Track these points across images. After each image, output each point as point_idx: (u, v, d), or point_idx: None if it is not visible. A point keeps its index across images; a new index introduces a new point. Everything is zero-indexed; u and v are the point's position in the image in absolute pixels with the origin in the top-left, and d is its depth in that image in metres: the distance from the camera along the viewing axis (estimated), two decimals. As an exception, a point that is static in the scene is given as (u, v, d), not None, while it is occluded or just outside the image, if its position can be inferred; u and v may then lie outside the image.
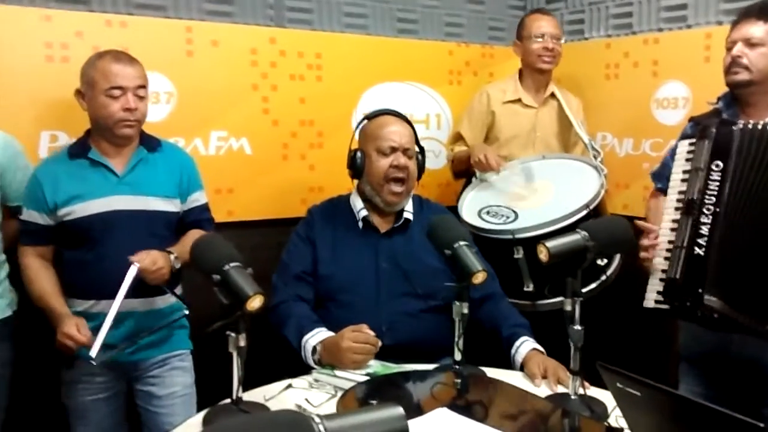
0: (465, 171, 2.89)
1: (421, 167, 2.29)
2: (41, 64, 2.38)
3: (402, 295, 2.13)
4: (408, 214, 2.24)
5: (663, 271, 1.96)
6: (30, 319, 2.15)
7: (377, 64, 3.07)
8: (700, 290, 1.87)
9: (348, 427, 0.77)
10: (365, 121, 2.32)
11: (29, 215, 2.11)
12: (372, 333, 1.91)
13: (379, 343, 1.91)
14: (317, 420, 0.76)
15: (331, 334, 1.97)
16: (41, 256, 2.13)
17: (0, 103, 2.30)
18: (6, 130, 2.20)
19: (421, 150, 2.31)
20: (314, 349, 1.95)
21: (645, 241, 2.02)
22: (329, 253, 2.19)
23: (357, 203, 2.26)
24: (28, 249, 2.13)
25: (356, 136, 2.34)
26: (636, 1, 3.03)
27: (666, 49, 2.89)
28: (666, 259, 1.97)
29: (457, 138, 3.01)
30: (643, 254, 2.02)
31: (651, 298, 1.99)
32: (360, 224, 2.24)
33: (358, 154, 2.25)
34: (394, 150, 2.20)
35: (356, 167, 2.25)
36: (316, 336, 1.97)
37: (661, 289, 1.96)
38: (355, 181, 2.32)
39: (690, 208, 1.95)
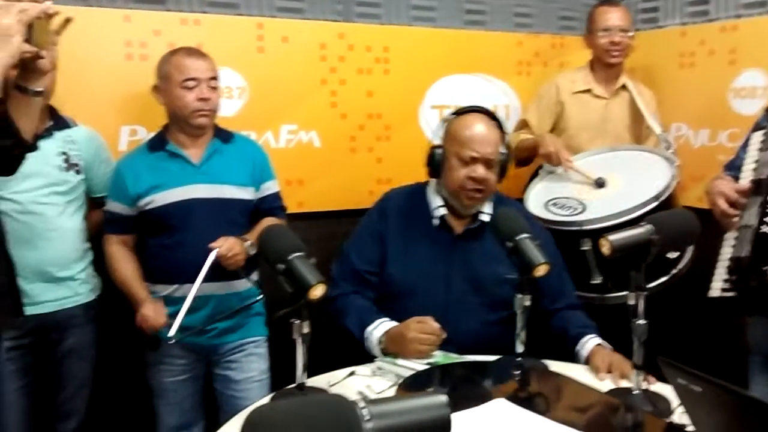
0: (528, 159, 2.87)
1: (504, 168, 2.15)
2: (121, 62, 2.50)
3: (471, 302, 2.09)
4: (485, 216, 2.13)
5: (729, 259, 1.92)
6: (113, 304, 2.28)
7: (445, 57, 3.08)
8: (765, 267, 1.81)
9: (391, 412, 0.80)
10: (451, 117, 2.18)
11: (112, 206, 2.25)
12: (437, 325, 1.92)
13: (444, 335, 1.92)
14: (362, 404, 0.80)
15: (393, 323, 2.00)
16: (124, 244, 2.27)
17: (84, 99, 2.43)
18: (89, 125, 2.34)
19: (505, 150, 2.14)
20: (380, 340, 1.97)
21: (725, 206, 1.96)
22: (400, 250, 2.14)
23: (434, 200, 2.17)
24: (112, 237, 2.27)
25: (442, 130, 2.19)
26: (713, -13, 2.93)
27: (745, 37, 2.78)
28: (732, 247, 1.92)
29: (523, 125, 2.98)
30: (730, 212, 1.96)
31: (717, 287, 1.94)
32: (436, 221, 2.16)
33: (438, 151, 2.13)
34: (474, 160, 2.07)
35: (434, 165, 2.14)
36: (380, 327, 1.99)
37: (726, 276, 1.91)
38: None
39: (759, 187, 1.89)
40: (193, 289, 2.04)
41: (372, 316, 2.04)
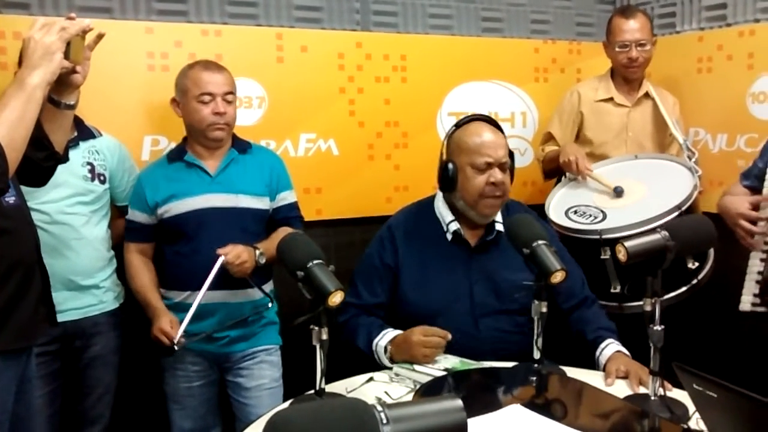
0: (555, 170, 2.87)
1: (511, 172, 2.15)
2: (144, 73, 2.55)
3: (498, 312, 2.08)
4: (499, 226, 2.12)
5: (759, 272, 1.90)
6: (135, 312, 2.32)
7: (462, 64, 3.10)
8: None
9: (408, 416, 0.83)
10: (455, 129, 2.17)
11: (133, 215, 2.30)
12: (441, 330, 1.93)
13: (449, 336, 1.93)
14: (379, 408, 0.82)
15: (398, 331, 2.00)
16: (142, 253, 2.32)
17: (108, 109, 2.48)
18: (113, 134, 2.39)
19: (511, 154, 2.15)
20: (385, 348, 1.98)
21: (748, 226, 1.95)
22: (418, 275, 2.12)
23: (446, 215, 2.15)
24: (132, 245, 2.32)
25: (445, 144, 2.17)
26: (731, -9, 2.92)
27: (763, 41, 2.77)
28: (762, 260, 1.91)
29: (548, 138, 2.98)
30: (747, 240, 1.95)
31: (747, 300, 1.94)
32: (449, 236, 2.14)
33: (450, 166, 2.09)
34: (489, 165, 2.07)
35: (448, 180, 2.10)
36: (385, 336, 2.00)
37: (757, 291, 1.90)
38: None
39: None
40: (199, 295, 2.07)
41: (377, 329, 2.04)
